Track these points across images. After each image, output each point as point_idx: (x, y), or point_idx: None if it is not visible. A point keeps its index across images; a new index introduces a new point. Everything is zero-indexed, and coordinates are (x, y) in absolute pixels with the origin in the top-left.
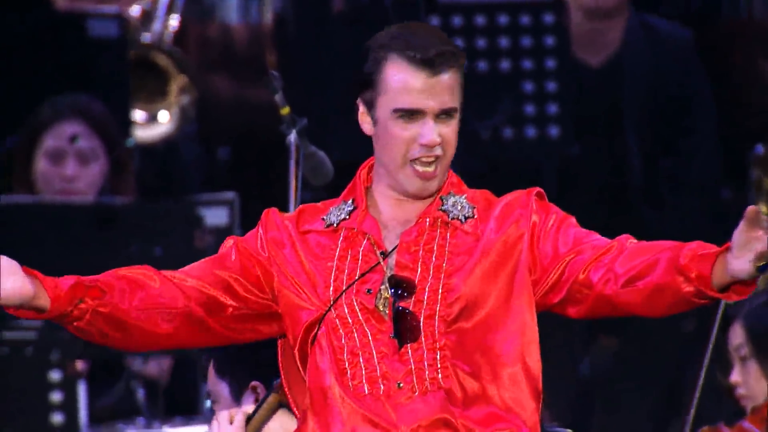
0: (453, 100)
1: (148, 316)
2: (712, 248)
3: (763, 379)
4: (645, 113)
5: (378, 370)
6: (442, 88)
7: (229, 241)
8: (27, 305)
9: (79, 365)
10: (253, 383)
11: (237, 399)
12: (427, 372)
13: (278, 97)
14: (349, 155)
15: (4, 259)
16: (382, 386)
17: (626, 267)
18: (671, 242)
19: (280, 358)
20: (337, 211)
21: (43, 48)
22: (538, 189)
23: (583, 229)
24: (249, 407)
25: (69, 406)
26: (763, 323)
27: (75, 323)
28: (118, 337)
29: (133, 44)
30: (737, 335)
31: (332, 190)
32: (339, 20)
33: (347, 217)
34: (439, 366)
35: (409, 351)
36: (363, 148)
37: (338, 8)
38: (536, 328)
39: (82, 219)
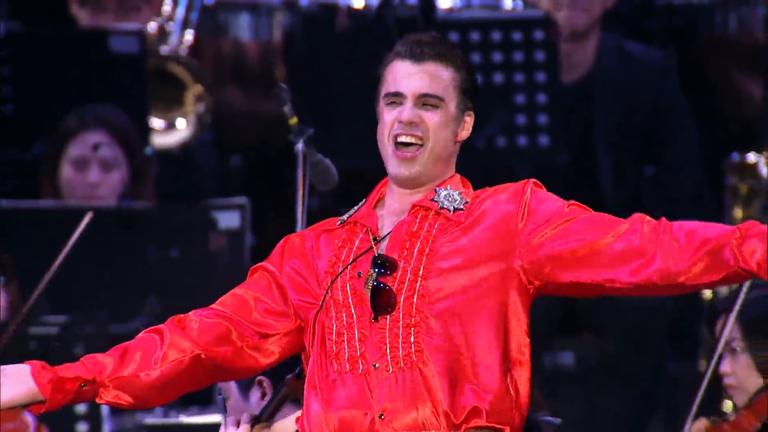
0: (435, 89)
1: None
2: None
3: (752, 370)
4: (620, 128)
5: (358, 351)
6: (424, 76)
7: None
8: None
9: None
10: (259, 378)
11: (245, 393)
12: (400, 350)
13: (287, 109)
14: (354, 163)
15: (16, 368)
16: (361, 365)
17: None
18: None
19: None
20: (351, 211)
21: (69, 62)
22: (533, 180)
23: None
24: (255, 409)
25: None
26: (756, 316)
27: (96, 400)
28: (151, 396)
29: (152, 55)
30: (731, 328)
31: (337, 195)
32: (344, 37)
33: (353, 214)
34: (412, 341)
35: (387, 330)
36: (367, 155)
37: (343, 25)
38: (520, 315)
39: (105, 223)
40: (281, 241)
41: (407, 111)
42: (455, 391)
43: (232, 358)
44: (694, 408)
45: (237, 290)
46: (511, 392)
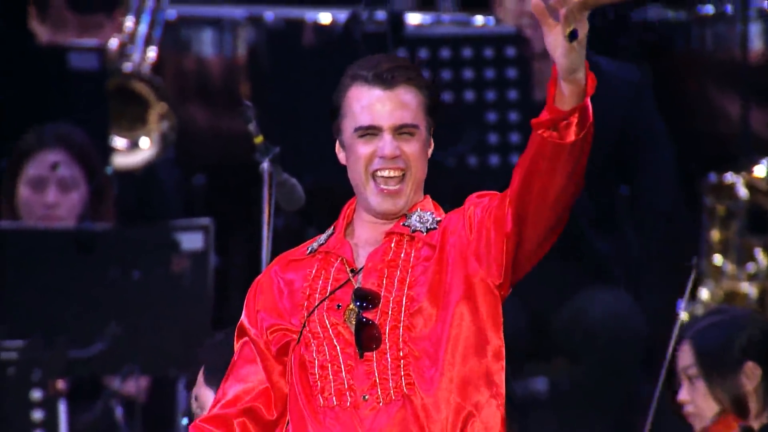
0: (410, 117)
1: None
2: None
3: (709, 397)
4: (593, 147)
5: (345, 383)
6: (397, 104)
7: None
8: None
9: (60, 384)
10: None
11: None
12: (390, 382)
13: (252, 127)
14: (320, 181)
15: None
16: (349, 398)
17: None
18: None
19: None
20: (319, 239)
21: (27, 79)
22: (473, 194)
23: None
24: None
25: (50, 424)
26: (710, 344)
27: None
28: None
29: (114, 73)
30: (686, 355)
31: (304, 215)
32: (310, 53)
33: (324, 242)
34: (402, 374)
35: (374, 363)
36: (334, 174)
37: (309, 41)
38: (495, 321)
39: (63, 244)
40: (250, 291)
41: (389, 146)
42: (447, 419)
43: None
44: None
45: (240, 376)
46: (496, 405)
